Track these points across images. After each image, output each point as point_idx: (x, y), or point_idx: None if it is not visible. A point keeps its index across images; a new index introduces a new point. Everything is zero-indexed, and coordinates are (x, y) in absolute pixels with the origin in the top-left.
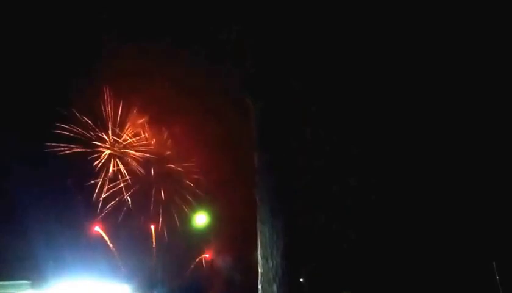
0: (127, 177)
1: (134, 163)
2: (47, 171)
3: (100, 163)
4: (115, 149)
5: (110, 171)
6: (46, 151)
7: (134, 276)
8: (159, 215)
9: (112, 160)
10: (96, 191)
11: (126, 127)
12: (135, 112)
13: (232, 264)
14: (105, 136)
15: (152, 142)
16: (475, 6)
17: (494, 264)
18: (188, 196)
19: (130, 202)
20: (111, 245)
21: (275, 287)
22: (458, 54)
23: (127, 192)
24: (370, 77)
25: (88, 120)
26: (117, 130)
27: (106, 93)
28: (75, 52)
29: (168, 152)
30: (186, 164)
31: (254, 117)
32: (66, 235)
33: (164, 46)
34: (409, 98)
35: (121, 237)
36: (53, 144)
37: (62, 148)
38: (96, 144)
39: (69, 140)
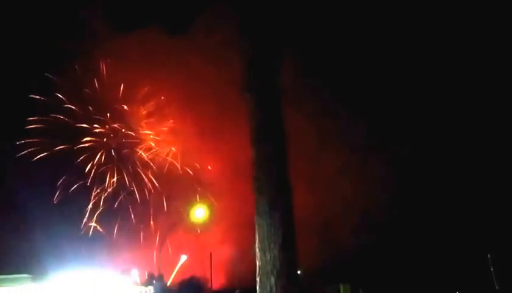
0: (125, 176)
1: (134, 159)
2: (46, 167)
3: (100, 161)
4: (111, 143)
5: (109, 177)
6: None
7: (134, 269)
8: (159, 209)
9: (105, 153)
10: (95, 188)
11: (124, 119)
12: (130, 104)
13: (231, 257)
14: (100, 128)
15: (151, 137)
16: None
17: (488, 256)
18: (189, 191)
19: (127, 199)
20: (111, 240)
21: (273, 280)
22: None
23: (127, 187)
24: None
25: (77, 109)
26: (116, 124)
27: (103, 71)
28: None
29: (172, 148)
30: (188, 160)
31: (252, 110)
32: (68, 231)
33: (161, 31)
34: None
35: (122, 232)
36: (33, 140)
37: (39, 147)
38: (90, 140)
39: (54, 134)
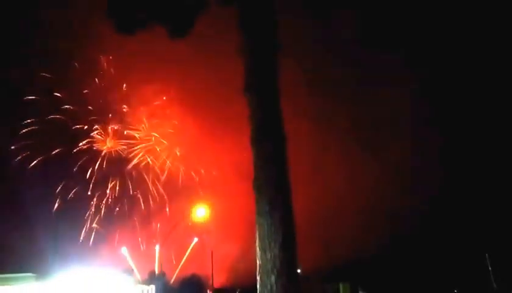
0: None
1: (136, 161)
2: (50, 168)
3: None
4: (110, 146)
5: (111, 179)
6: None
7: (137, 269)
8: (161, 209)
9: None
10: (97, 190)
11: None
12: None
13: (232, 256)
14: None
15: (153, 139)
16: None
17: (487, 255)
18: (190, 191)
19: (130, 199)
20: (113, 240)
21: (273, 279)
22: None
23: (128, 187)
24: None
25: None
26: (116, 126)
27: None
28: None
29: (177, 152)
30: (189, 160)
31: (252, 110)
32: (71, 231)
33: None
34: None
35: (124, 231)
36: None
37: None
38: (91, 140)
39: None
